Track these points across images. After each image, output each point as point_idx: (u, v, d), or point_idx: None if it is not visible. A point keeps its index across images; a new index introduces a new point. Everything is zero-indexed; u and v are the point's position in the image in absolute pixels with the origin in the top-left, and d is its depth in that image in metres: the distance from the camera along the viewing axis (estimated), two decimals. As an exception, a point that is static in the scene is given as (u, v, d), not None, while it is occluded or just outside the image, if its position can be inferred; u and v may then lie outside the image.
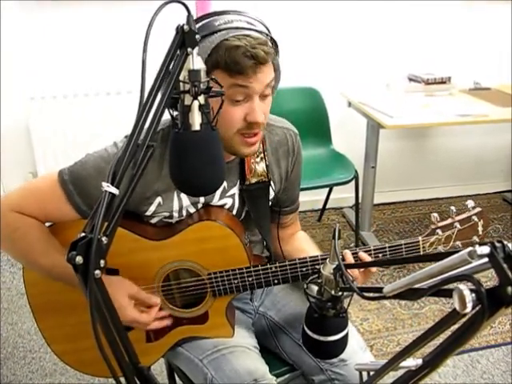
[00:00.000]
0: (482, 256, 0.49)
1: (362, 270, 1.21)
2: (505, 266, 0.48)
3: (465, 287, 0.49)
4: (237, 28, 1.02)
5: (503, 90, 3.06)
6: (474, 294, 0.49)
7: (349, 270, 1.21)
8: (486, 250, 0.49)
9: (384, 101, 2.81)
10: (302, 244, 1.43)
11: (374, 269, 1.24)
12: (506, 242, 0.49)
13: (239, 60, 1.00)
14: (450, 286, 0.57)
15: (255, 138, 1.12)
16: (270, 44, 1.05)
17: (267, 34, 1.08)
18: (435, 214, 1.25)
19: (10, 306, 2.53)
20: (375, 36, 3.06)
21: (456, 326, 0.56)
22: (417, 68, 3.11)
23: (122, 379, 0.79)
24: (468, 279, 0.50)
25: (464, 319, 0.53)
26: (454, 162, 3.54)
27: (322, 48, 3.02)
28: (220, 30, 1.01)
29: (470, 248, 0.49)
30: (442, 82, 3.04)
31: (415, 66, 3.13)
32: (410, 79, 3.12)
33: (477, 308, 0.50)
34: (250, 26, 1.04)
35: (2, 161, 2.89)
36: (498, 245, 0.49)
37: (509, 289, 0.46)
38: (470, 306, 0.48)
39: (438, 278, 0.59)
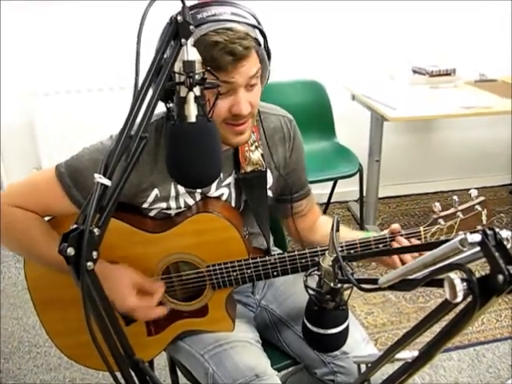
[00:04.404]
0: (473, 244, 0.48)
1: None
2: (496, 254, 0.47)
3: (456, 276, 0.48)
4: (218, 21, 1.00)
5: (509, 81, 3.02)
6: (465, 283, 0.48)
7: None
8: (477, 237, 0.48)
9: (388, 93, 2.79)
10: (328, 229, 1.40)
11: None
12: (497, 230, 0.48)
13: (217, 57, 0.99)
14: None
15: (243, 126, 1.11)
16: (252, 36, 1.03)
17: (254, 26, 1.06)
18: (437, 204, 1.21)
19: (16, 301, 2.54)
20: (379, 28, 3.04)
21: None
22: (421, 60, 3.08)
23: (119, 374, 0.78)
24: (459, 268, 0.49)
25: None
26: (459, 154, 3.51)
27: (325, 41, 3.01)
28: (201, 24, 0.99)
29: (461, 236, 0.48)
30: (447, 74, 3.01)
31: (419, 57, 3.10)
32: (414, 71, 3.08)
33: (469, 298, 0.50)
34: (232, 18, 1.02)
35: (7, 157, 2.90)
36: (489, 232, 0.48)
37: (500, 277, 0.45)
38: (460, 294, 0.47)
39: (433, 267, 0.59)
